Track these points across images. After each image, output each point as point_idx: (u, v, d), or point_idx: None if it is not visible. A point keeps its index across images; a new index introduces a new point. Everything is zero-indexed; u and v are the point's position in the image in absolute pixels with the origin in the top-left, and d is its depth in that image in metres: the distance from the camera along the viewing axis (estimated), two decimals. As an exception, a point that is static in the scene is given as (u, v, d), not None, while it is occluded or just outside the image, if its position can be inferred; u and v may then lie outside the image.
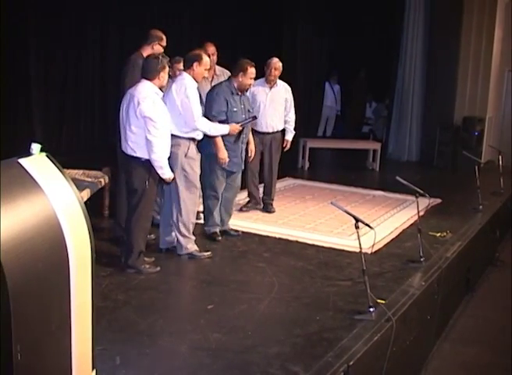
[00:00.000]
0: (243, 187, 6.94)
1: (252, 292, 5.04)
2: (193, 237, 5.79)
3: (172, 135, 5.42)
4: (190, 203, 5.71)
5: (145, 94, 5.03)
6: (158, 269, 5.34)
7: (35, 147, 2.58)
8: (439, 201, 8.47)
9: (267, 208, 7.55)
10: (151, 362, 3.76)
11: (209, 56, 6.53)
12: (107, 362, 3.61)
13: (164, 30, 6.09)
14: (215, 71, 6.88)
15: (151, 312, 4.47)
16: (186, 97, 5.52)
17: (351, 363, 3.79)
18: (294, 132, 7.60)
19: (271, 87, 7.28)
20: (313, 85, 14.50)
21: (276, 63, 7.18)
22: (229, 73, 6.86)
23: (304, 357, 3.92)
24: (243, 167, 6.43)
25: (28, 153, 2.55)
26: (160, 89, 5.21)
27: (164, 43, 5.97)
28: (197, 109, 5.60)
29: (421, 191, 5.92)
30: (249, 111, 6.32)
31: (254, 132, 7.11)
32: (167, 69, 5.19)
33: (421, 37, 12.56)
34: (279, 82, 7.33)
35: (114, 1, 10.87)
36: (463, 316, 6.47)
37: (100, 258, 4.73)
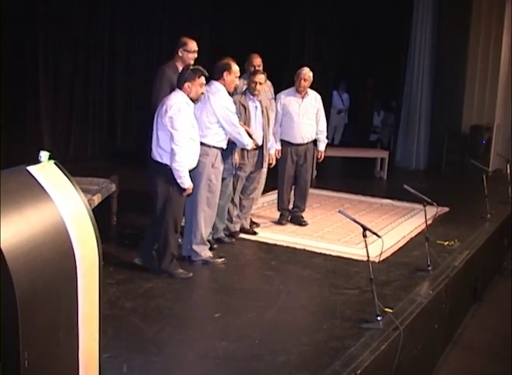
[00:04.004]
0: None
1: (259, 300, 5.03)
2: (208, 245, 5.84)
3: (201, 143, 5.52)
4: (210, 213, 5.81)
5: (173, 102, 5.12)
6: (191, 275, 5.40)
7: (43, 154, 2.59)
8: (446, 209, 8.44)
9: (298, 221, 7.46)
10: (158, 370, 3.76)
11: (254, 68, 6.66)
12: (114, 370, 3.61)
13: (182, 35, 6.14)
14: None
15: (158, 320, 4.47)
16: (227, 109, 5.71)
17: (358, 372, 3.78)
18: (327, 141, 7.55)
19: (302, 98, 7.24)
20: (321, 94, 14.46)
21: (306, 74, 7.13)
22: (269, 83, 7.09)
23: (311, 365, 3.91)
24: (234, 172, 6.32)
25: (36, 161, 2.56)
26: (193, 101, 5.26)
27: (190, 48, 5.97)
28: (237, 120, 5.81)
29: (429, 200, 5.90)
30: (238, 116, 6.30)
31: (288, 144, 7.19)
32: (197, 81, 5.19)
33: (428, 45, 12.56)
34: (310, 91, 7.31)
35: (122, 11, 10.92)
36: (470, 325, 6.44)
37: (107, 266, 4.74)
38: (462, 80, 12.13)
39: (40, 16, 9.40)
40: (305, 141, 7.29)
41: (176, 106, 5.09)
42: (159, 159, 5.21)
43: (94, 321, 2.69)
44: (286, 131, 7.22)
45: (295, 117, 7.18)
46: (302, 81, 7.13)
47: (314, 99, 7.35)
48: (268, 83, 7.10)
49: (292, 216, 7.53)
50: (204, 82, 5.31)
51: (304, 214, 7.52)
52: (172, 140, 5.08)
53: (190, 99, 5.22)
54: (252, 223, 7.13)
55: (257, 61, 6.82)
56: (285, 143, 7.25)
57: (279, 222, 7.41)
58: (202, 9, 12.20)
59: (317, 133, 7.39)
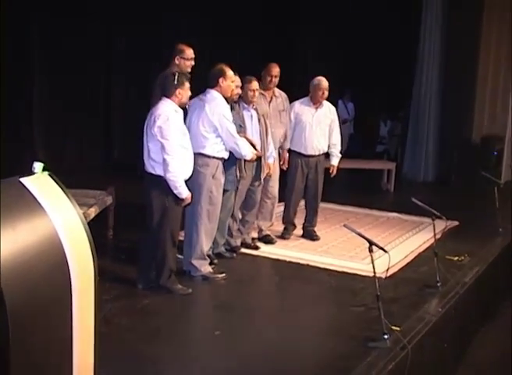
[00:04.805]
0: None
1: (261, 318, 5.03)
2: (208, 260, 5.83)
3: (201, 154, 5.60)
4: (211, 226, 5.82)
5: (160, 111, 5.12)
6: (190, 291, 5.40)
7: (37, 165, 2.59)
8: (456, 223, 8.43)
9: (310, 235, 7.46)
10: (156, 391, 3.75)
11: (271, 78, 6.77)
12: (109, 391, 3.60)
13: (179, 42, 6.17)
14: (274, 92, 6.98)
15: (157, 339, 4.46)
16: (223, 117, 5.71)
17: (364, 393, 3.77)
18: (340, 155, 7.52)
19: (316, 108, 7.23)
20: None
21: (326, 84, 7.13)
22: (285, 95, 7.10)
23: (315, 386, 3.90)
24: (238, 185, 6.33)
25: (30, 172, 2.56)
26: (183, 108, 5.27)
27: (187, 55, 6.02)
28: (234, 128, 5.79)
29: (438, 213, 5.90)
30: (240, 126, 6.27)
31: (299, 155, 7.21)
32: (186, 85, 5.24)
33: (437, 52, 12.56)
34: (324, 102, 7.29)
35: (121, 16, 10.97)
36: (481, 345, 6.40)
37: (103, 282, 4.73)
38: (472, 88, 12.14)
39: (36, 20, 9.45)
40: (316, 153, 7.27)
41: (165, 115, 5.09)
42: (152, 171, 5.20)
43: (89, 339, 2.68)
44: (297, 141, 7.22)
45: (307, 127, 7.17)
46: (321, 93, 7.11)
47: (328, 110, 7.33)
48: (283, 95, 7.10)
49: (304, 230, 7.53)
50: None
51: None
52: (164, 150, 5.07)
53: (179, 106, 5.25)
54: (268, 237, 7.15)
55: (276, 71, 6.86)
56: (295, 154, 7.25)
57: (282, 236, 7.38)
58: (203, 11, 12.25)
59: (330, 147, 7.36)
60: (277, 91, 7.03)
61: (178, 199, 5.22)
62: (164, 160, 5.08)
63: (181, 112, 5.28)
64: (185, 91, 5.24)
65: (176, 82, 5.18)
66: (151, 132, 5.12)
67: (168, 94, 5.20)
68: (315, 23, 13.96)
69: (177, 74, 5.24)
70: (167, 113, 5.11)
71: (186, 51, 6.04)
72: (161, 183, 5.14)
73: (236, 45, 12.80)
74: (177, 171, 5.11)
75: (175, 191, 5.15)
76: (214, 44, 12.22)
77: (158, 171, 5.15)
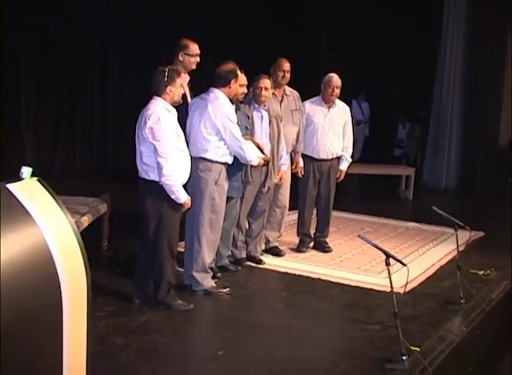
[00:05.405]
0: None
1: (268, 336, 5.01)
2: (211, 273, 5.84)
3: (202, 158, 5.61)
4: (213, 236, 5.81)
5: (151, 112, 5.11)
6: (191, 306, 5.39)
7: (25, 171, 2.59)
8: (481, 234, 8.41)
9: (322, 247, 7.43)
10: (153, 416, 3.74)
11: (284, 73, 6.77)
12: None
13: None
14: (284, 91, 6.98)
15: (154, 358, 4.45)
16: (227, 118, 5.69)
17: (381, 419, 3.76)
18: (350, 160, 7.49)
19: (329, 108, 7.22)
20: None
21: (338, 81, 7.13)
22: (297, 94, 7.08)
23: (327, 412, 3.89)
24: (243, 191, 6.32)
25: (18, 177, 2.56)
26: (176, 107, 5.28)
27: (192, 51, 6.04)
28: (239, 131, 5.78)
29: (461, 223, 5.88)
30: (246, 128, 6.23)
31: (310, 159, 7.18)
32: (178, 82, 5.23)
33: (461, 48, 12.54)
34: (337, 101, 7.28)
35: (115, 15, 11.03)
36: (510, 368, 6.38)
37: (97, 297, 4.74)
38: (499, 87, 12.09)
39: (25, 17, 9.48)
40: (329, 157, 7.24)
41: (155, 115, 5.08)
42: (146, 176, 5.20)
43: (81, 359, 2.68)
44: (309, 144, 7.18)
45: (320, 129, 7.15)
46: (331, 90, 7.10)
47: (342, 110, 7.32)
48: (295, 93, 7.08)
49: (314, 241, 7.50)
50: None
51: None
52: (156, 152, 5.05)
53: (172, 104, 5.24)
54: (275, 248, 7.14)
55: (287, 66, 6.85)
56: (306, 158, 7.21)
57: (299, 249, 7.34)
58: (206, 10, 12.31)
59: (341, 150, 7.36)
60: (288, 89, 7.01)
61: (175, 205, 5.21)
62: (157, 163, 5.06)
63: (174, 111, 5.27)
64: (176, 88, 5.22)
65: (166, 79, 5.17)
66: (142, 134, 5.11)
67: (158, 92, 5.19)
68: (330, 21, 13.98)
69: (167, 70, 5.22)
70: (158, 113, 5.09)
71: (190, 46, 6.04)
72: (156, 189, 5.13)
73: (241, 44, 12.84)
74: (173, 174, 5.09)
75: (172, 196, 5.13)
76: (216, 44, 12.28)
77: (152, 176, 5.14)
